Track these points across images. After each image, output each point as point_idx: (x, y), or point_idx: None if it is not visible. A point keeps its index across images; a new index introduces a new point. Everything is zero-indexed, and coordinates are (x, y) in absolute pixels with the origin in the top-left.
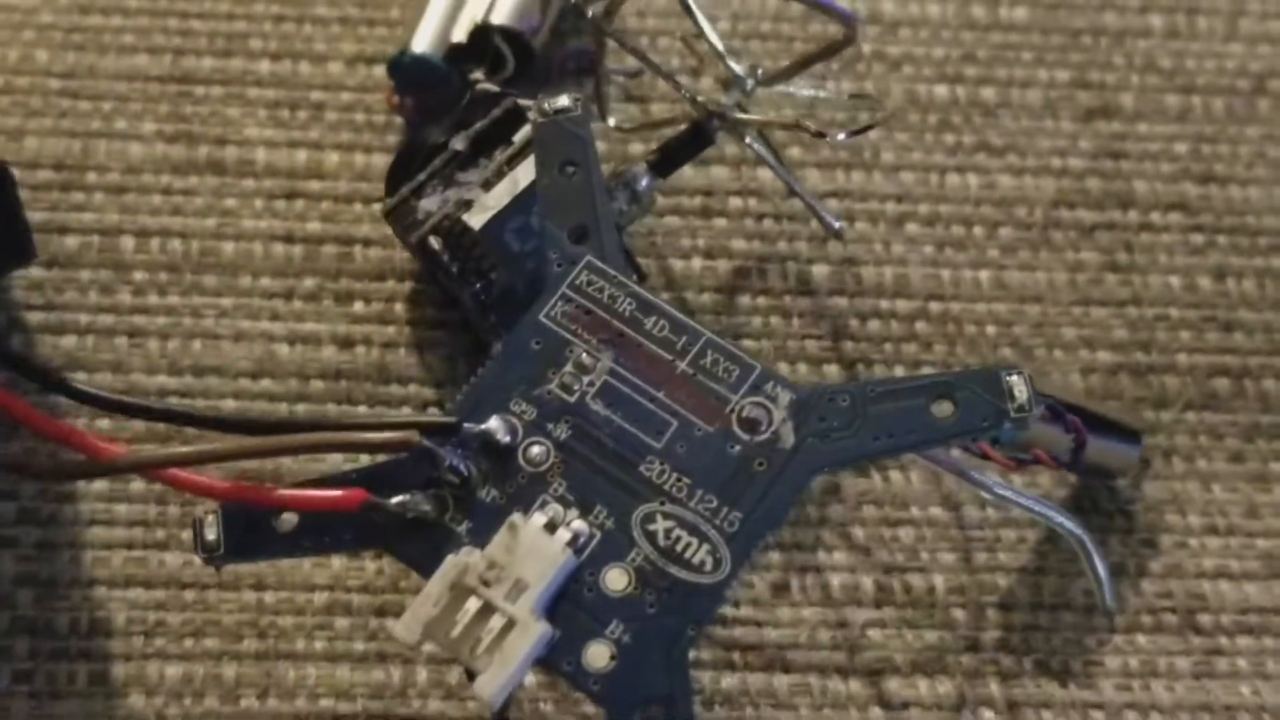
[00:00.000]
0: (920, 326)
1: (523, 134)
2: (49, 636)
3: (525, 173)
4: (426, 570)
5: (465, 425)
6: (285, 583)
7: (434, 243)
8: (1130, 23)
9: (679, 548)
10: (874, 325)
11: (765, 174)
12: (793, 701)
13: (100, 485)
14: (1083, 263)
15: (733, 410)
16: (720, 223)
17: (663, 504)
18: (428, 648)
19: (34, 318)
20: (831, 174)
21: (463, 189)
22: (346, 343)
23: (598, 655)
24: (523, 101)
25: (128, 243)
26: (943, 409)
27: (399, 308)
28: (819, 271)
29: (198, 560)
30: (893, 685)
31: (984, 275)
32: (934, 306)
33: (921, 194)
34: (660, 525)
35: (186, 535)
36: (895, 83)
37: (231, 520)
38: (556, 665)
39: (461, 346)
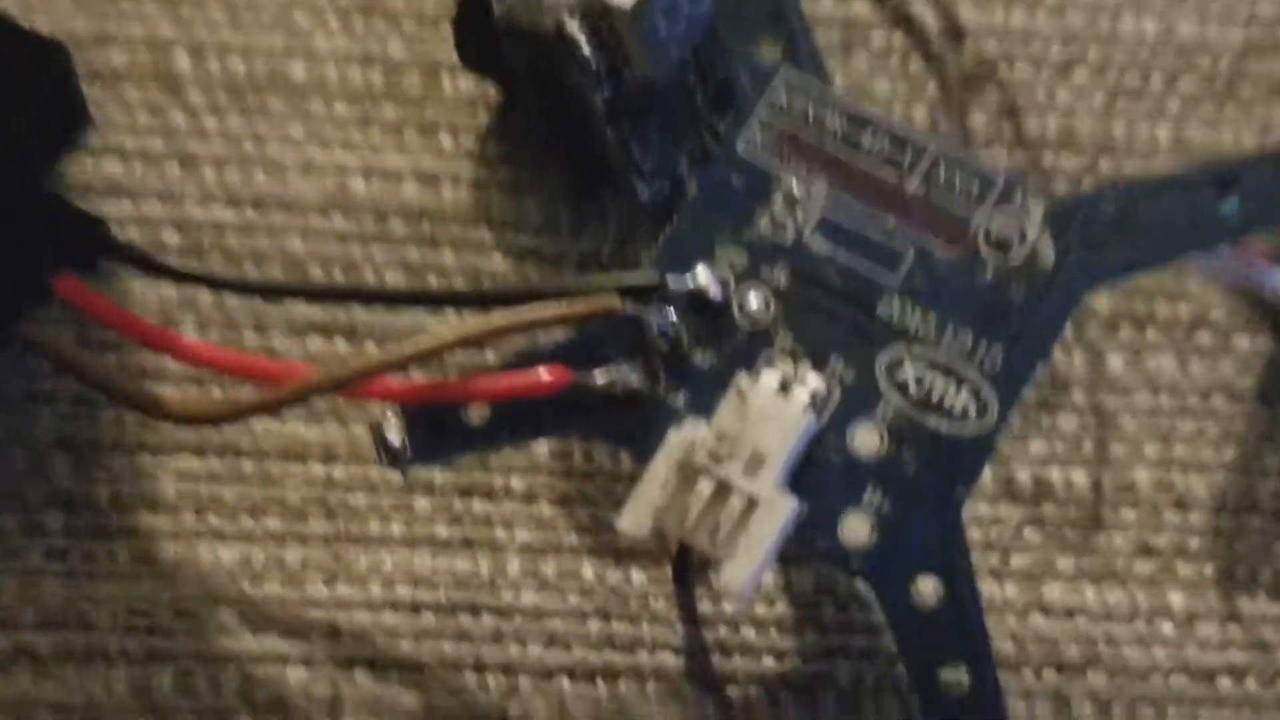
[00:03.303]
0: (1088, 184)
1: None
2: (87, 510)
3: None
4: (643, 452)
5: (669, 281)
6: (358, 455)
7: (573, 29)
8: None
9: (935, 395)
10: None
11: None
12: None
13: None
14: (1272, 122)
15: (978, 230)
16: (862, 61)
17: (909, 347)
18: (523, 538)
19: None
20: (989, 9)
21: None
22: (430, 180)
23: (856, 528)
24: None
25: (182, 58)
26: (1227, 203)
27: (492, 145)
28: (975, 120)
29: (258, 427)
30: (1054, 591)
31: (1161, 131)
32: (1104, 163)
33: (1091, 37)
34: (910, 372)
35: (245, 390)
36: None
37: (414, 419)
38: (809, 544)
39: (563, 189)
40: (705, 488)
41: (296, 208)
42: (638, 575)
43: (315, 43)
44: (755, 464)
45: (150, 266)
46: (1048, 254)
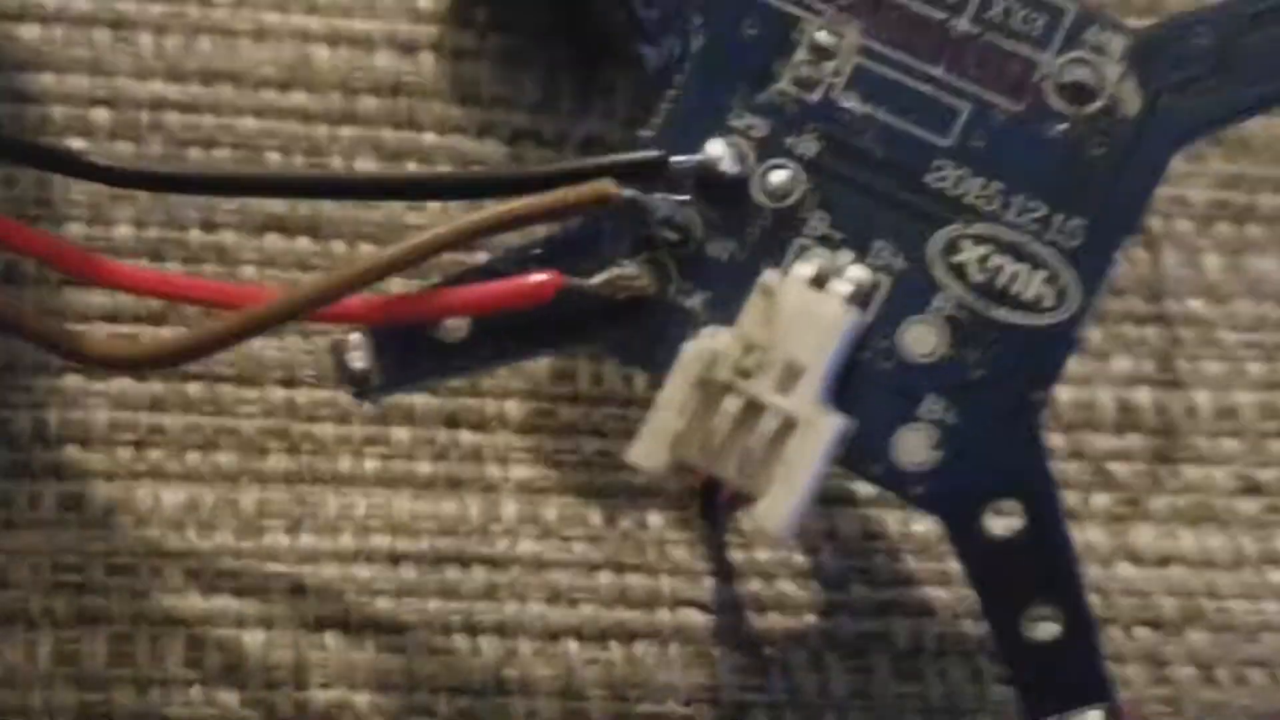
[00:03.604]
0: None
1: None
2: (5, 445)
3: None
4: (656, 366)
5: (673, 159)
6: (325, 377)
7: None
8: None
9: (1002, 281)
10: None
11: None
12: None
13: (76, 228)
14: None
15: (1046, 76)
16: None
17: (968, 223)
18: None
19: None
20: None
21: None
22: (408, 47)
23: (914, 446)
24: None
25: None
26: None
27: (480, 7)
28: None
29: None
30: (1144, 536)
31: None
32: None
33: None
34: (970, 254)
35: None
36: None
37: (382, 338)
38: (861, 469)
39: (565, 59)
40: (732, 408)
41: (249, 81)
42: (655, 518)
43: None
44: (790, 377)
45: (52, 162)
46: (1132, 100)
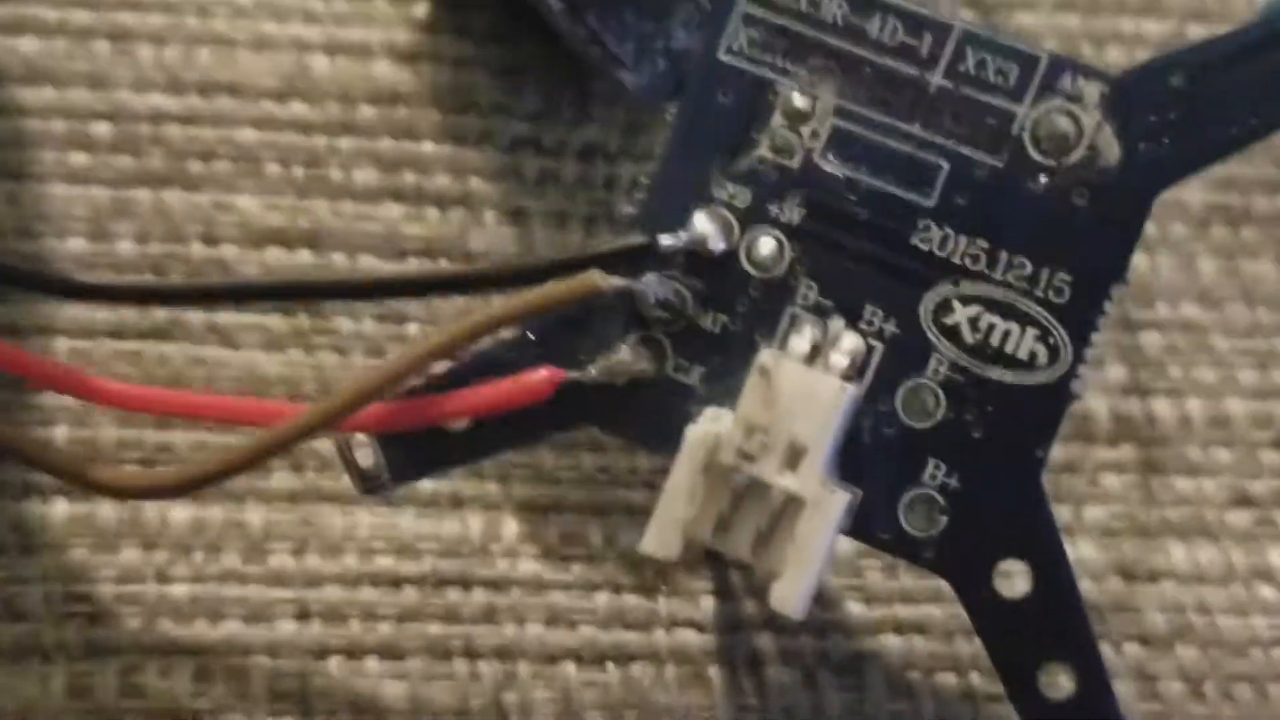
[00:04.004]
0: None
1: None
2: (16, 464)
3: None
4: (659, 445)
5: (661, 241)
6: (328, 391)
7: None
8: None
9: (994, 341)
10: (1113, 53)
11: None
12: None
13: (77, 243)
14: None
15: (1024, 127)
16: None
17: (956, 283)
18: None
19: None
20: None
21: None
22: (407, 57)
23: (919, 512)
24: None
25: None
26: None
27: (477, 17)
28: None
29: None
30: (1137, 550)
31: None
32: (1193, 29)
33: None
34: (961, 314)
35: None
36: None
37: (387, 435)
38: (868, 537)
39: (565, 71)
40: (738, 490)
41: (249, 93)
42: None
43: None
44: (794, 456)
45: (28, 283)
46: (1111, 148)
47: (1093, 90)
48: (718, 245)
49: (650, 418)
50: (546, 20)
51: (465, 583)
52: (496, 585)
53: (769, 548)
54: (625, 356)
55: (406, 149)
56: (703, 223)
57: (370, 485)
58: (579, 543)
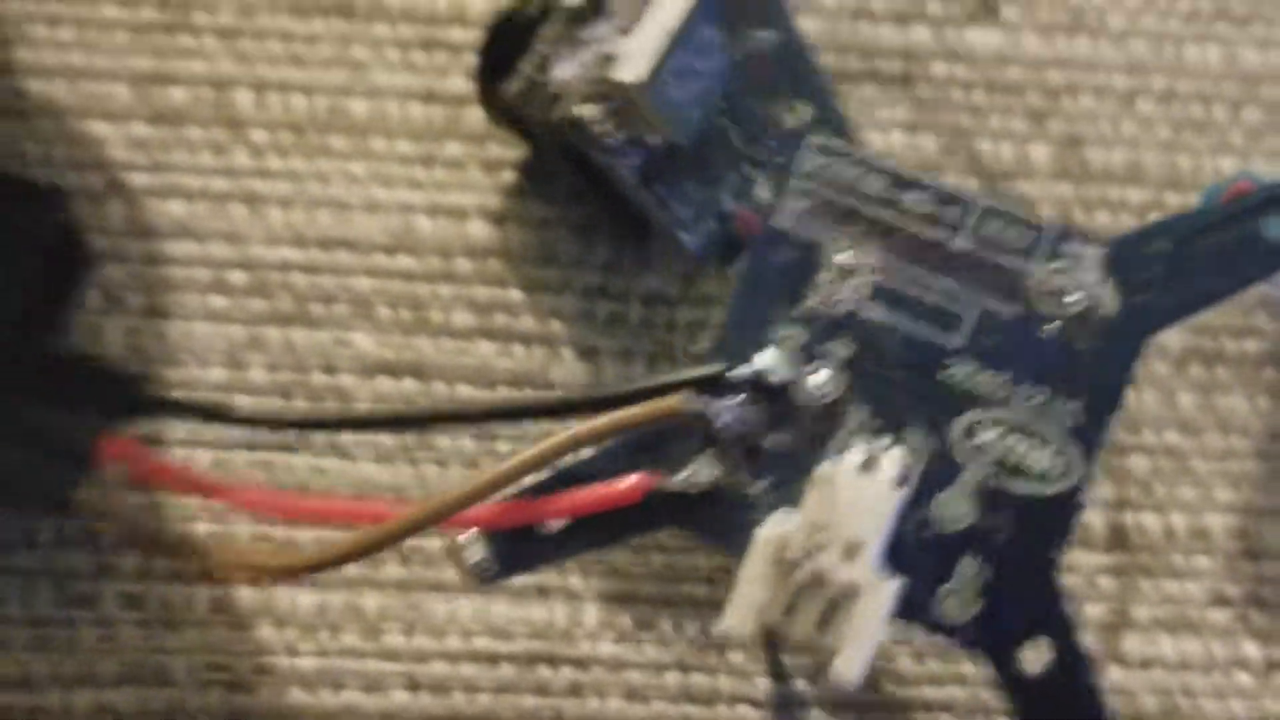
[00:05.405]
0: (1154, 219)
1: None
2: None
3: (668, 5)
4: (729, 545)
5: (730, 372)
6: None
7: (584, 113)
8: None
9: (1016, 458)
10: (1102, 217)
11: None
12: None
13: (217, 373)
14: None
15: (1033, 283)
16: (924, 91)
17: (984, 411)
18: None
19: (138, 179)
20: (1052, 39)
21: (596, 45)
22: (498, 218)
23: (955, 600)
24: None
25: (244, 97)
26: (1272, 225)
27: (557, 183)
28: (1037, 152)
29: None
30: (1131, 642)
31: (1226, 163)
32: (1170, 198)
33: (1155, 66)
34: (989, 435)
35: (318, 438)
36: None
37: (492, 533)
38: (914, 617)
39: (630, 228)
40: (802, 578)
41: (362, 247)
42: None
43: (376, 78)
44: (851, 551)
45: (189, 412)
46: (1110, 300)
47: (1092, 253)
48: (779, 376)
49: (721, 521)
50: (617, 187)
51: (553, 661)
52: (581, 664)
53: (828, 629)
54: (704, 469)
55: (497, 295)
56: (766, 357)
57: (480, 578)
58: (651, 628)
